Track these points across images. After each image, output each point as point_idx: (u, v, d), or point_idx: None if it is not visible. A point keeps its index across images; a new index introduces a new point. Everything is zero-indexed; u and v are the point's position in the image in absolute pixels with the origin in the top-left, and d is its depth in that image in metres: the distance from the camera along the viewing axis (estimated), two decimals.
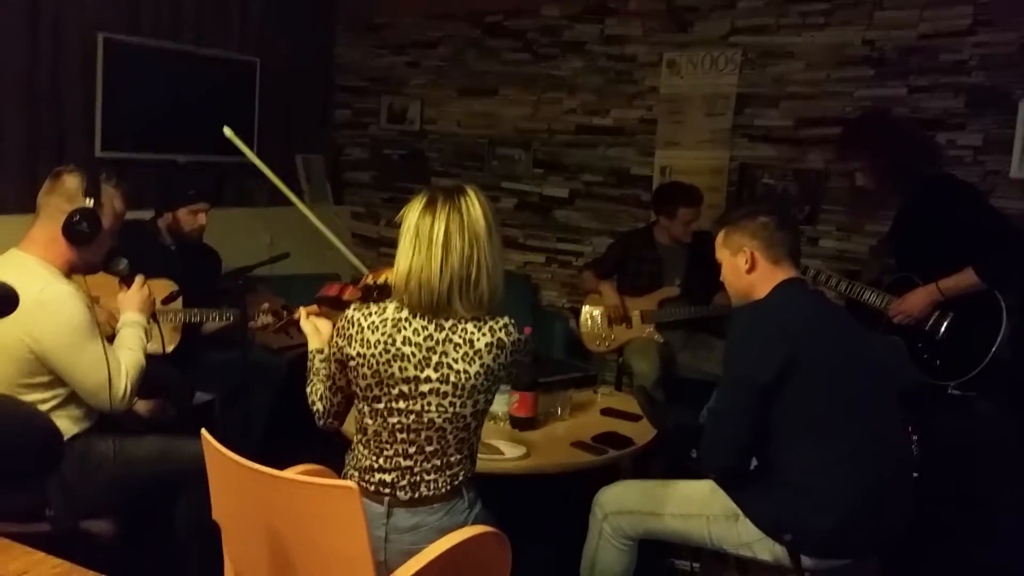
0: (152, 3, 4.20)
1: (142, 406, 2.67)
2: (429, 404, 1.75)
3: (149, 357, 2.87)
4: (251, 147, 4.74)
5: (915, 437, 2.51)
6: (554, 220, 4.84)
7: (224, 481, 1.78)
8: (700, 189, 3.92)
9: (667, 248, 3.96)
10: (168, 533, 2.26)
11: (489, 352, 1.74)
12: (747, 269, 2.19)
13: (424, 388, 1.74)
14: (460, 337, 1.74)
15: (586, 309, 4.05)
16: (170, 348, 3.09)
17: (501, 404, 2.80)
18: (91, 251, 2.21)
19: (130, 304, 2.37)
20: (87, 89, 3.90)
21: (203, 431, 1.80)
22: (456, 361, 1.73)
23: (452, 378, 1.73)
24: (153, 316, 2.46)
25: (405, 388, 1.75)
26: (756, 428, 2.04)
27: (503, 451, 2.55)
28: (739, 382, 2.07)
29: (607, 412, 3.03)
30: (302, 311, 2.10)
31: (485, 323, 1.76)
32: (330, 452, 2.05)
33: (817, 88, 4.04)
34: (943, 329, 2.86)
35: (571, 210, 4.78)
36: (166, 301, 3.05)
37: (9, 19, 3.59)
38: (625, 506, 2.26)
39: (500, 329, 1.76)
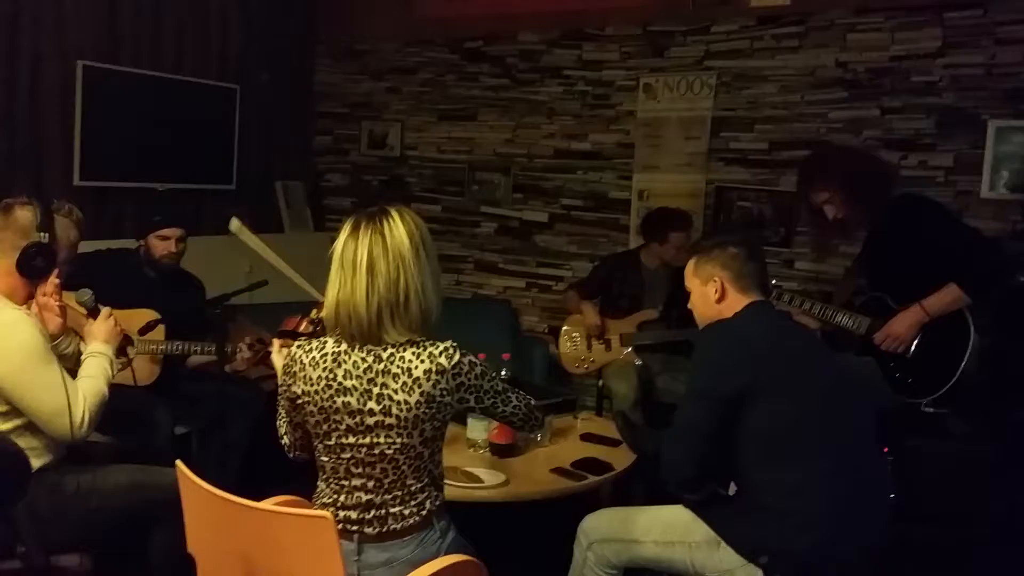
0: (132, 31, 4.22)
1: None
2: (377, 436, 1.73)
3: (129, 388, 2.86)
4: (230, 174, 4.80)
5: (890, 457, 2.52)
6: (534, 244, 4.86)
7: (199, 512, 1.77)
8: (689, 213, 3.95)
9: (652, 272, 3.98)
10: (142, 566, 2.23)
11: (428, 379, 1.71)
12: (717, 299, 2.23)
13: (369, 421, 1.73)
14: (398, 367, 1.72)
15: (565, 329, 4.06)
16: (148, 380, 3.09)
17: (480, 431, 2.80)
18: (43, 282, 2.19)
19: (96, 334, 2.35)
20: (66, 117, 3.90)
21: (178, 462, 1.79)
22: (396, 392, 1.71)
23: (394, 410, 1.71)
24: (123, 348, 2.43)
25: (351, 422, 1.74)
26: (715, 441, 2.06)
27: (483, 478, 2.54)
28: (699, 394, 2.11)
29: (587, 437, 3.03)
30: (275, 344, 2.10)
31: (424, 349, 1.74)
32: (309, 484, 2.04)
33: (791, 111, 4.10)
34: (913, 347, 2.89)
35: (551, 234, 4.81)
36: (144, 331, 3.04)
37: None
38: (609, 534, 2.26)
39: (440, 354, 1.74)
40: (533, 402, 2.01)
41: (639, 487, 3.13)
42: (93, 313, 2.38)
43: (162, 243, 3.24)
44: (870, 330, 2.95)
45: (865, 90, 3.92)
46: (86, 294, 2.37)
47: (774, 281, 3.22)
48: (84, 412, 2.13)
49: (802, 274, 4.10)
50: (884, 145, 3.85)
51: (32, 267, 2.11)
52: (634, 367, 3.87)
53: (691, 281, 2.31)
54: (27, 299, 2.19)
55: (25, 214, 2.14)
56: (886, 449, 2.58)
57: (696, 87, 4.33)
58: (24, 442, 2.12)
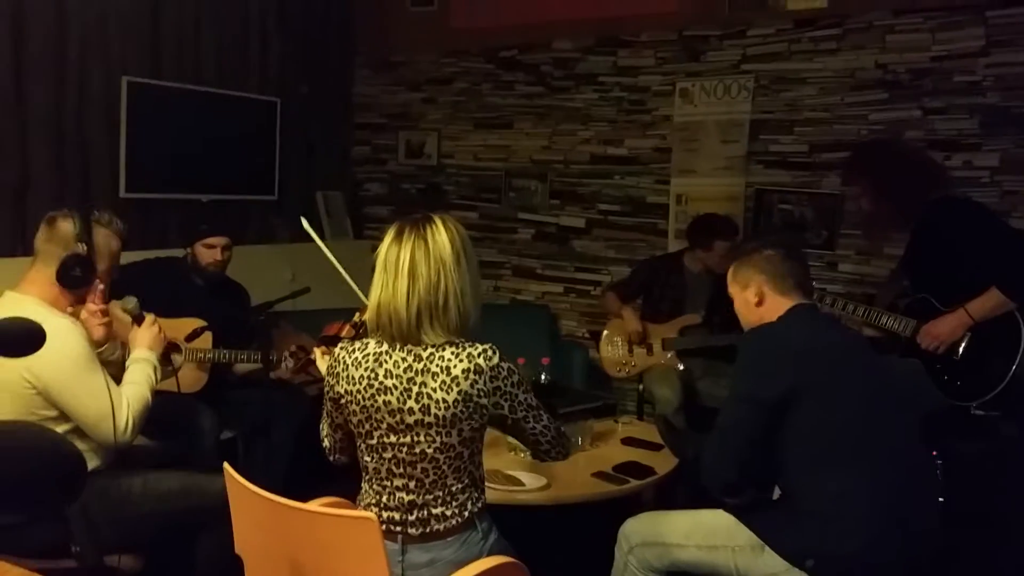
0: (174, 46, 4.31)
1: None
2: (418, 435, 1.75)
3: (175, 395, 2.91)
4: (272, 185, 4.88)
5: (939, 461, 2.48)
6: (571, 250, 4.86)
7: (246, 514, 1.80)
8: (735, 221, 3.92)
9: (694, 276, 3.96)
10: (190, 569, 2.27)
11: (466, 378, 1.73)
12: (756, 303, 2.23)
13: (409, 420, 1.75)
14: (438, 366, 1.75)
15: (606, 334, 4.05)
16: (196, 387, 3.14)
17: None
18: (86, 292, 2.24)
19: (140, 341, 2.39)
20: (111, 131, 4.00)
21: (225, 464, 1.83)
22: (435, 391, 1.73)
23: (433, 408, 1.73)
24: (169, 355, 2.47)
25: (392, 421, 1.76)
26: (757, 447, 2.05)
27: (524, 482, 2.55)
28: (742, 399, 2.10)
29: (628, 441, 3.02)
30: (317, 351, 2.14)
31: (463, 349, 1.76)
32: (352, 486, 2.06)
33: (831, 113, 4.06)
34: (961, 349, 2.84)
35: (588, 240, 4.81)
36: (191, 338, 3.10)
37: (37, 63, 3.70)
38: (651, 538, 2.24)
39: (479, 355, 1.76)
40: (563, 428, 2.00)
41: (682, 491, 3.11)
42: (138, 320, 2.43)
43: (208, 251, 3.31)
44: (915, 332, 2.91)
45: (906, 91, 3.87)
46: (131, 301, 2.42)
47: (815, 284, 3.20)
48: (128, 418, 2.17)
49: (846, 276, 4.05)
50: (927, 146, 3.79)
51: (70, 277, 2.16)
52: (676, 371, 3.85)
53: (732, 287, 2.31)
54: (61, 302, 2.23)
55: (66, 225, 2.19)
56: (935, 452, 2.54)
57: (733, 91, 4.31)
58: (80, 444, 2.17)
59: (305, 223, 2.44)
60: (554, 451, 1.96)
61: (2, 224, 3.63)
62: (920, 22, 3.82)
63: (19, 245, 3.55)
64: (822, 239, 4.11)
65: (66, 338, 2.11)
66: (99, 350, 2.32)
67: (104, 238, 2.24)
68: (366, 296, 1.90)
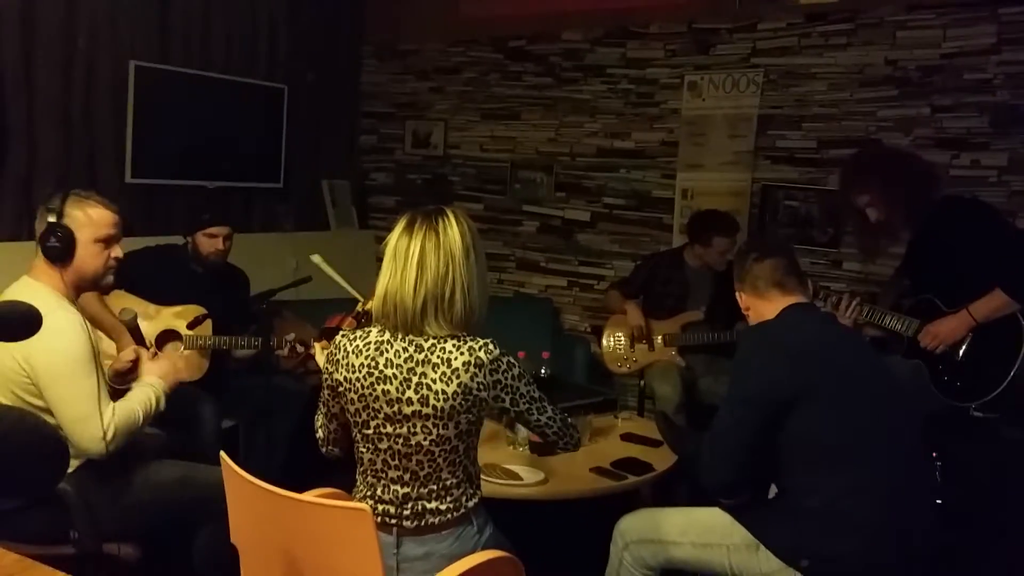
0: (182, 32, 4.31)
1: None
2: (414, 427, 1.75)
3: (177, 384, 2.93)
4: (278, 173, 4.89)
5: (939, 463, 2.47)
6: (576, 243, 4.85)
7: (242, 503, 1.81)
8: (735, 217, 3.91)
9: (696, 272, 3.95)
10: (189, 557, 2.28)
11: (466, 371, 1.74)
12: (745, 311, 2.30)
13: (407, 410, 1.75)
14: (438, 357, 1.75)
15: (609, 330, 4.04)
16: (198, 374, 3.16)
17: (521, 429, 2.81)
18: (81, 266, 2.21)
19: (154, 369, 2.39)
20: (118, 116, 4.00)
21: (222, 453, 1.83)
22: (435, 382, 1.74)
23: (432, 400, 1.73)
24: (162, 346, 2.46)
25: (389, 411, 1.76)
26: (754, 447, 2.05)
27: (522, 476, 2.55)
28: (739, 400, 2.10)
29: (627, 437, 3.02)
30: (316, 346, 2.14)
31: (464, 342, 1.77)
32: (352, 478, 2.07)
33: (840, 109, 4.03)
34: (963, 350, 2.82)
35: (593, 233, 4.80)
36: (192, 325, 3.11)
37: (45, 47, 3.70)
38: (645, 535, 2.25)
39: (480, 348, 1.76)
40: (570, 419, 2.00)
41: (681, 488, 3.12)
42: (133, 332, 2.42)
43: (210, 240, 3.31)
44: (918, 332, 2.90)
45: (915, 88, 3.84)
46: (129, 313, 2.42)
47: (820, 284, 3.19)
48: (110, 428, 2.13)
49: (850, 275, 4.03)
50: (935, 144, 3.77)
51: (50, 249, 2.14)
52: (677, 368, 3.84)
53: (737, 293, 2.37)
54: (71, 288, 2.22)
55: (44, 207, 2.20)
56: (934, 454, 2.53)
57: (742, 85, 4.28)
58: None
59: (317, 259, 2.45)
60: (562, 441, 1.97)
61: (9, 209, 3.64)
62: (932, 18, 3.79)
63: (26, 230, 3.55)
64: (827, 237, 4.09)
65: (68, 334, 2.10)
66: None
67: (79, 208, 2.20)
68: (359, 289, 1.91)
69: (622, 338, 4.00)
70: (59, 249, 2.15)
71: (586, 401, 3.18)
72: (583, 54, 4.75)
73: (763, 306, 2.24)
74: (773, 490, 2.22)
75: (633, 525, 2.28)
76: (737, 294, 2.34)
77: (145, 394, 2.31)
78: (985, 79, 3.68)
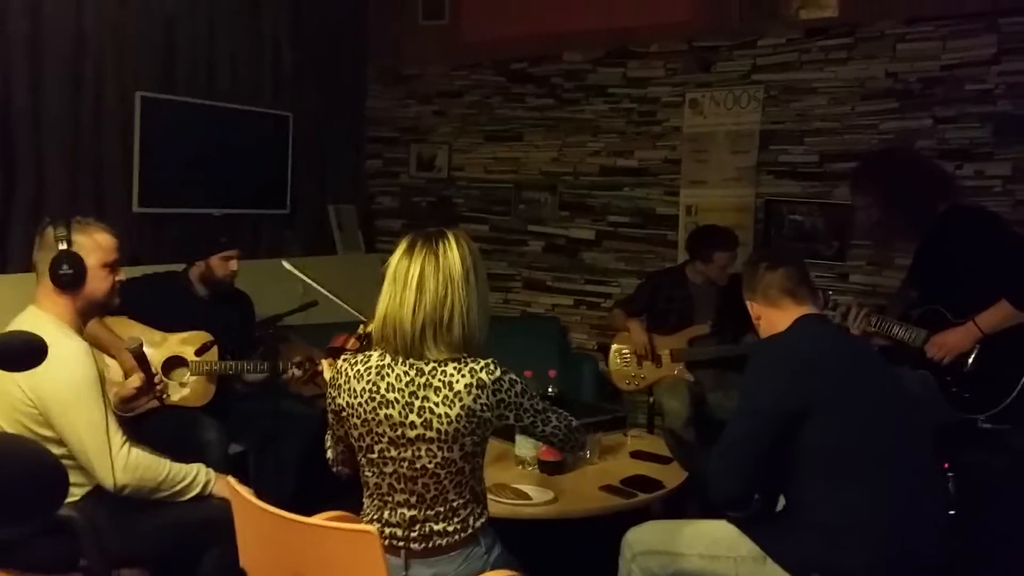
0: (188, 62, 4.36)
1: None
2: (419, 450, 1.75)
3: (181, 409, 2.94)
4: (284, 199, 4.92)
5: (950, 474, 2.45)
6: (581, 262, 4.86)
7: (250, 527, 1.81)
8: (735, 232, 3.91)
9: (699, 288, 3.95)
10: None
11: (469, 393, 1.73)
12: (756, 321, 2.29)
13: (411, 434, 1.75)
14: (440, 380, 1.75)
15: (615, 348, 4.04)
16: (205, 400, 3.17)
17: (530, 449, 2.80)
18: (92, 292, 2.23)
19: (221, 484, 2.34)
20: (125, 146, 4.04)
21: (228, 478, 1.84)
22: (437, 405, 1.73)
23: (435, 423, 1.73)
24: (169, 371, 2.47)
25: (393, 435, 1.76)
26: (764, 460, 2.04)
27: (531, 495, 2.54)
28: (750, 413, 2.09)
29: (637, 455, 3.00)
30: (324, 363, 2.14)
31: (465, 364, 1.77)
32: (361, 500, 2.07)
33: (842, 122, 4.04)
34: (971, 361, 2.81)
35: (598, 252, 4.80)
36: (200, 352, 3.12)
37: (53, 78, 3.75)
38: (653, 546, 2.24)
39: (481, 369, 1.76)
40: (575, 423, 2.00)
41: (691, 505, 3.09)
42: (140, 360, 2.43)
43: (226, 264, 3.34)
44: (925, 342, 2.88)
45: (917, 100, 3.85)
46: (135, 342, 2.43)
47: (830, 293, 3.19)
48: (121, 460, 2.13)
49: (857, 287, 4.02)
50: (938, 155, 3.76)
51: (62, 277, 2.15)
52: (686, 384, 3.83)
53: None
54: (80, 315, 2.24)
55: (48, 231, 2.21)
56: (946, 465, 2.51)
57: (743, 101, 4.30)
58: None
59: (286, 264, 2.46)
60: (568, 447, 2.04)
61: (19, 239, 3.67)
62: (931, 31, 3.81)
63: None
64: (833, 250, 4.08)
65: (75, 363, 2.11)
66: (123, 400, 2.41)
67: (85, 234, 2.23)
68: (363, 311, 1.91)
69: (628, 356, 4.00)
70: (71, 276, 2.17)
71: (595, 419, 3.16)
72: (584, 74, 4.78)
73: (775, 315, 2.23)
74: (781, 502, 2.20)
75: (641, 537, 2.27)
76: (748, 304, 2.33)
77: (187, 467, 2.29)
78: (986, 89, 3.69)
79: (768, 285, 2.23)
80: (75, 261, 2.17)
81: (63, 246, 2.17)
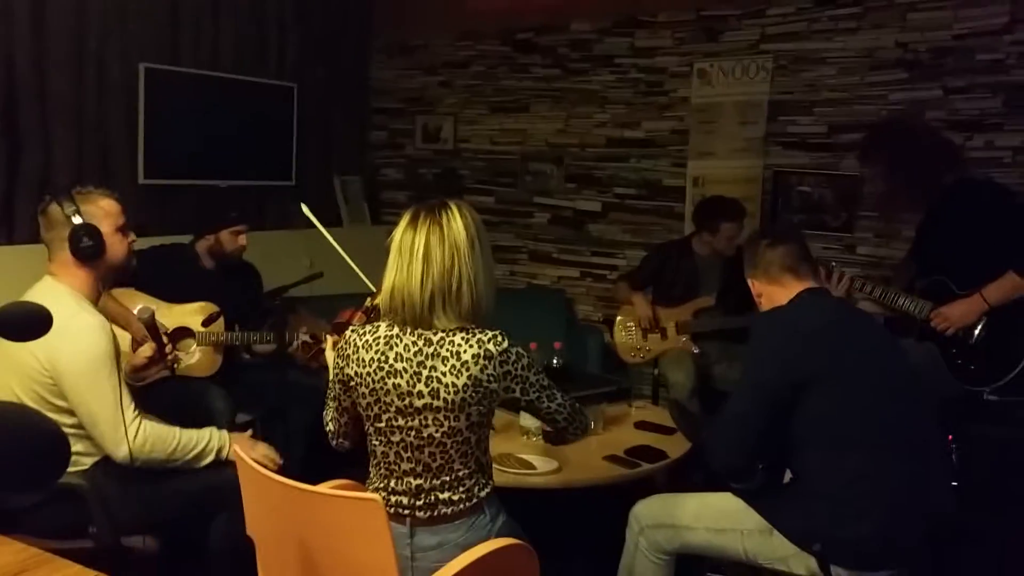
0: (192, 33, 4.33)
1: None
2: (426, 419, 1.76)
3: (188, 378, 2.96)
4: (290, 171, 4.89)
5: (954, 445, 2.46)
6: (587, 234, 4.85)
7: (257, 496, 1.82)
8: (742, 203, 3.90)
9: (704, 259, 3.94)
10: (205, 550, 2.31)
11: (476, 363, 1.74)
12: (757, 298, 2.29)
13: (418, 403, 1.76)
14: (448, 350, 1.76)
15: (620, 320, 4.05)
16: (211, 370, 3.19)
17: (534, 419, 2.81)
18: (111, 258, 2.25)
19: (239, 438, 2.39)
20: (130, 118, 4.03)
21: (235, 446, 1.85)
22: (445, 375, 1.74)
23: (442, 393, 1.74)
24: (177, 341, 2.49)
25: (400, 404, 1.77)
26: (765, 432, 2.05)
27: (536, 465, 2.56)
28: (753, 384, 2.10)
29: (641, 425, 3.02)
30: (329, 340, 2.15)
31: (473, 335, 1.77)
32: (367, 469, 2.08)
33: (851, 93, 4.00)
34: (977, 333, 2.80)
35: (604, 223, 4.79)
36: (206, 323, 3.14)
37: (57, 51, 3.74)
38: (660, 520, 2.26)
39: (488, 340, 1.77)
40: (579, 406, 2.01)
41: (696, 476, 3.11)
42: (151, 329, 2.45)
43: (235, 238, 3.36)
44: (930, 314, 2.88)
45: (927, 70, 3.80)
46: (147, 311, 2.45)
47: (833, 264, 3.18)
48: (135, 433, 2.16)
49: (864, 259, 4.01)
50: (948, 126, 3.73)
51: (84, 249, 2.17)
52: (691, 355, 3.84)
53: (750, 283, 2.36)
54: (98, 285, 2.26)
55: (54, 209, 2.21)
56: (951, 437, 2.52)
57: (752, 71, 4.26)
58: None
59: (305, 208, 2.46)
60: (571, 427, 1.99)
61: (25, 211, 3.68)
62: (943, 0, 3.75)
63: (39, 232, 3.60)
64: (840, 221, 4.07)
65: (92, 336, 2.13)
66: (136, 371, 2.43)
67: (92, 204, 2.24)
68: (371, 280, 1.92)
69: (633, 328, 4.00)
70: (92, 247, 2.18)
71: (599, 390, 3.18)
72: (591, 44, 4.74)
73: (777, 292, 2.24)
74: (788, 475, 2.21)
75: (648, 510, 2.29)
76: (749, 281, 2.33)
77: (199, 433, 2.31)
78: (998, 59, 3.64)
79: (769, 262, 2.24)
80: (92, 232, 2.19)
81: (77, 219, 2.18)
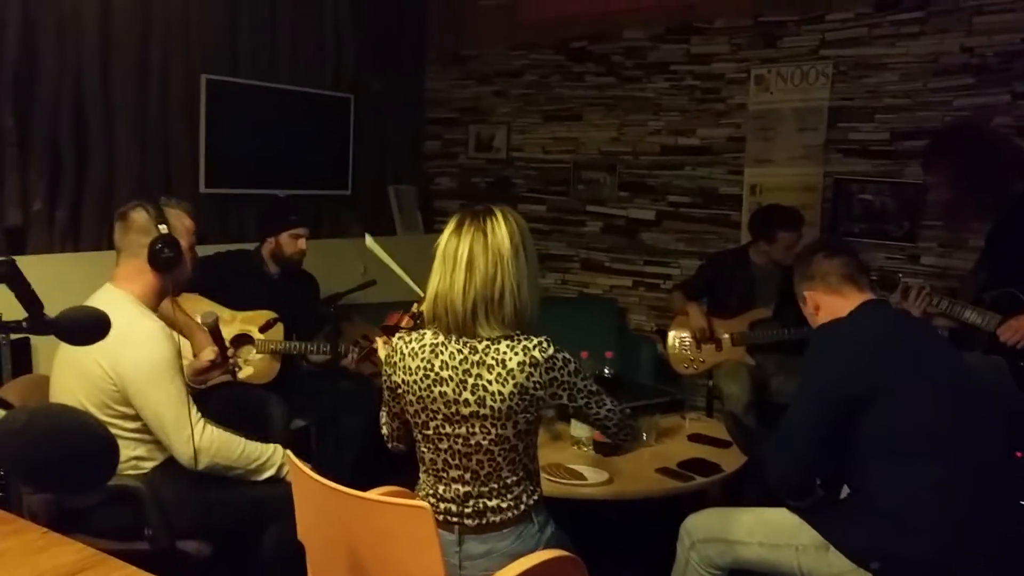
0: (251, 45, 4.42)
1: None
2: (473, 427, 1.75)
3: (247, 385, 3.00)
4: (346, 180, 4.95)
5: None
6: (641, 243, 4.80)
7: (308, 501, 1.84)
8: (800, 211, 3.82)
9: (761, 269, 3.87)
10: (258, 555, 2.33)
11: (522, 371, 1.73)
12: (814, 312, 2.23)
13: (464, 411, 1.75)
14: (493, 358, 1.74)
15: (673, 331, 3.99)
16: (269, 377, 3.24)
17: (585, 429, 2.79)
18: (183, 271, 2.32)
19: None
20: (191, 129, 4.13)
21: (287, 452, 1.87)
22: (490, 383, 1.73)
23: (488, 401, 1.73)
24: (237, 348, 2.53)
25: (447, 412, 1.77)
26: (824, 446, 2.00)
27: (586, 476, 2.53)
28: (810, 398, 2.05)
29: (695, 438, 2.97)
30: (379, 341, 2.16)
31: (519, 342, 1.76)
32: (417, 476, 2.08)
33: (913, 99, 3.90)
34: None
35: (658, 232, 4.74)
36: (264, 329, 3.19)
37: (122, 62, 3.85)
38: (713, 534, 2.21)
39: (534, 347, 1.75)
40: (628, 411, 1.98)
41: (751, 490, 3.04)
42: (214, 335, 2.50)
43: (295, 241, 3.41)
44: (999, 327, 2.77)
45: (994, 75, 3.68)
46: (210, 316, 2.50)
47: (900, 275, 3.09)
48: (201, 437, 2.20)
49: (928, 270, 3.89)
50: (1016, 132, 3.59)
51: (162, 259, 2.22)
52: (747, 368, 3.76)
53: (801, 305, 2.32)
54: (162, 294, 2.31)
55: (138, 215, 2.26)
56: (1019, 454, 2.42)
57: (811, 77, 4.18)
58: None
59: (369, 240, 2.48)
60: (622, 434, 1.98)
61: (91, 220, 3.79)
62: (1010, 2, 3.63)
63: (104, 239, 3.70)
64: (903, 230, 3.95)
65: (154, 343, 2.17)
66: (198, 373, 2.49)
67: (175, 218, 2.31)
68: (423, 290, 1.92)
69: (687, 339, 3.94)
70: (172, 259, 2.24)
71: (652, 401, 3.15)
72: (645, 52, 4.71)
73: (837, 302, 2.18)
74: (845, 491, 2.15)
75: (700, 524, 2.24)
76: (804, 295, 2.27)
77: (263, 447, 2.34)
78: None
79: (827, 272, 2.19)
80: (173, 244, 2.24)
81: (163, 228, 2.24)
